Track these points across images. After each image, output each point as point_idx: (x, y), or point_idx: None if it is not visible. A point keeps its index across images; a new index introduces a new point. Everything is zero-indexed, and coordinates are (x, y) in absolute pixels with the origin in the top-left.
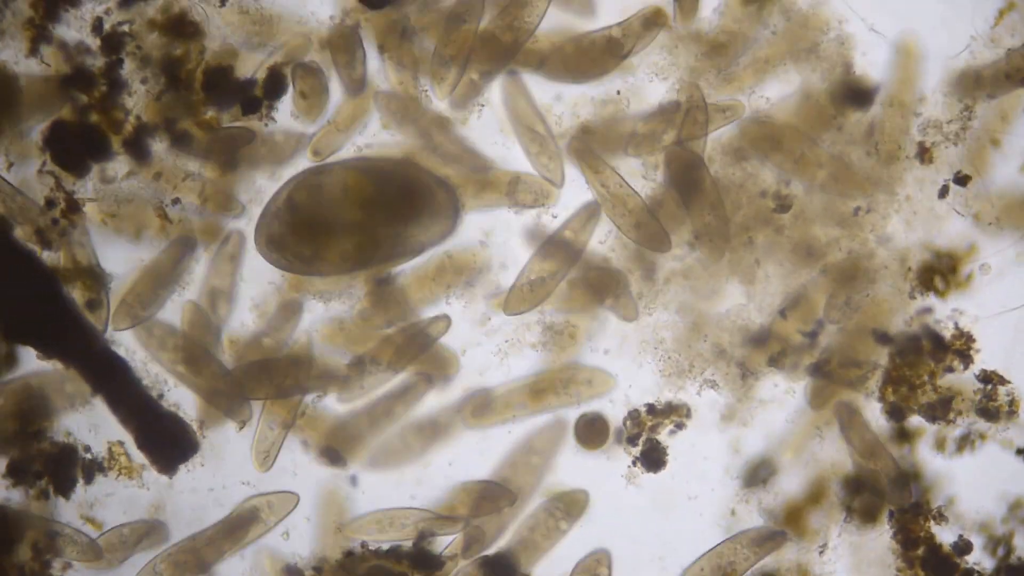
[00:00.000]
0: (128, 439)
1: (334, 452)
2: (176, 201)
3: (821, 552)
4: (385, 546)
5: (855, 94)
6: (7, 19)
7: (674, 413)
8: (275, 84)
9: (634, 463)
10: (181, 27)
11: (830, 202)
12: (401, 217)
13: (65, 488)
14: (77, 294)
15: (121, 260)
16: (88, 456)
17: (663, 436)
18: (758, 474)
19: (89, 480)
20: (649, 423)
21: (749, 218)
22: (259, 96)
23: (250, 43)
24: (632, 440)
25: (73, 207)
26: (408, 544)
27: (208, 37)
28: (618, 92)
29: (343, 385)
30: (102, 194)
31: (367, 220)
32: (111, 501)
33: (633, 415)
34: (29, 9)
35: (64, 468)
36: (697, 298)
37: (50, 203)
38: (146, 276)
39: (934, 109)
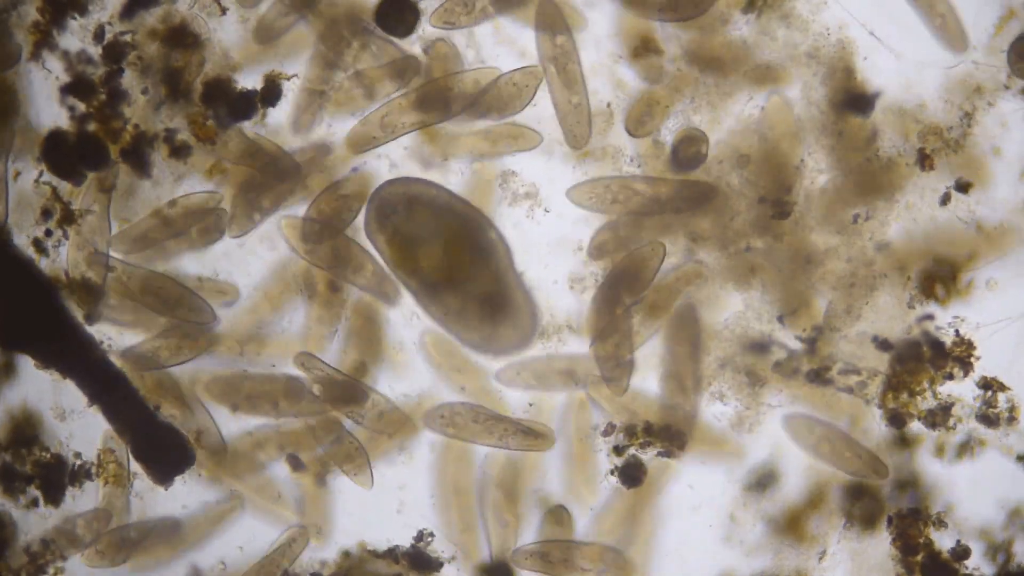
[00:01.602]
0: (120, 448)
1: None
2: (172, 203)
3: (820, 558)
4: (382, 547)
5: (856, 100)
6: (13, 22)
7: (667, 441)
8: (271, 92)
9: (612, 472)
10: (182, 37)
11: (830, 209)
12: (478, 313)
13: (55, 495)
14: (75, 305)
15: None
16: (78, 463)
17: (648, 456)
18: (760, 481)
19: (78, 486)
20: (640, 440)
21: (748, 224)
22: (256, 103)
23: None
24: (619, 450)
25: (68, 218)
26: (405, 545)
27: (209, 48)
28: (608, 104)
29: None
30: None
31: (448, 273)
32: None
33: (629, 429)
34: (36, 13)
35: (54, 475)
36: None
37: (46, 213)
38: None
39: (935, 116)
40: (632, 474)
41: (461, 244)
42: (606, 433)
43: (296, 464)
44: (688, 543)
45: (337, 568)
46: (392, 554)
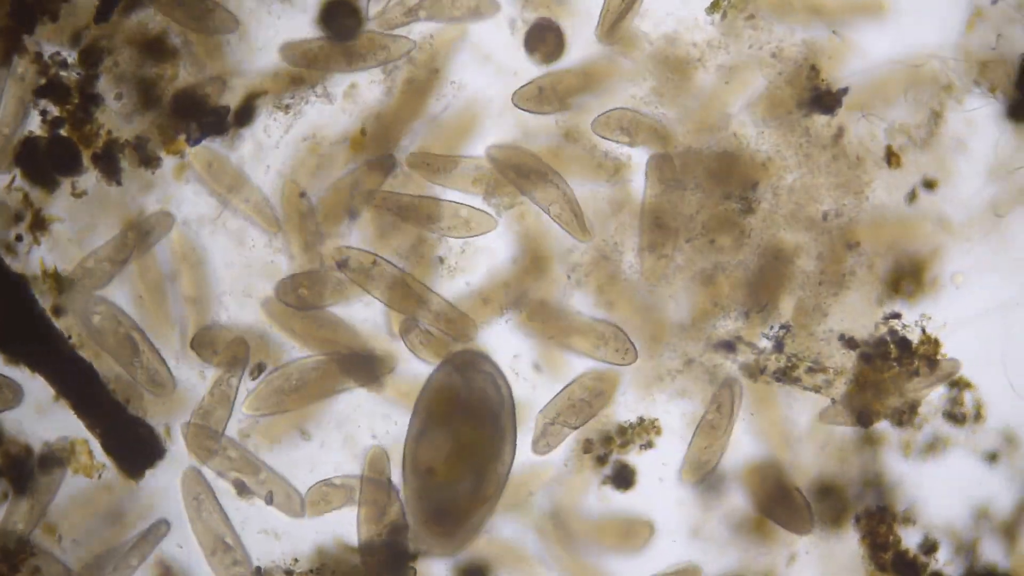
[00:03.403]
0: (93, 440)
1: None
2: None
3: (788, 562)
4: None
5: (821, 98)
6: None
7: (644, 431)
8: (246, 113)
9: (604, 482)
10: (158, 48)
11: (797, 206)
12: (427, 510)
13: (22, 484)
14: (44, 300)
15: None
16: (45, 451)
17: (631, 456)
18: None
19: (47, 473)
20: (619, 442)
21: (714, 220)
22: (229, 123)
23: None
24: (601, 459)
25: (40, 224)
26: (380, 537)
27: (184, 61)
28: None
29: None
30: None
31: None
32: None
33: (604, 437)
34: (6, 18)
35: (20, 464)
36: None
37: (17, 217)
38: None
39: (902, 113)
40: (624, 477)
41: (472, 456)
42: (586, 450)
43: (241, 488)
44: (656, 539)
45: (311, 565)
46: (368, 547)
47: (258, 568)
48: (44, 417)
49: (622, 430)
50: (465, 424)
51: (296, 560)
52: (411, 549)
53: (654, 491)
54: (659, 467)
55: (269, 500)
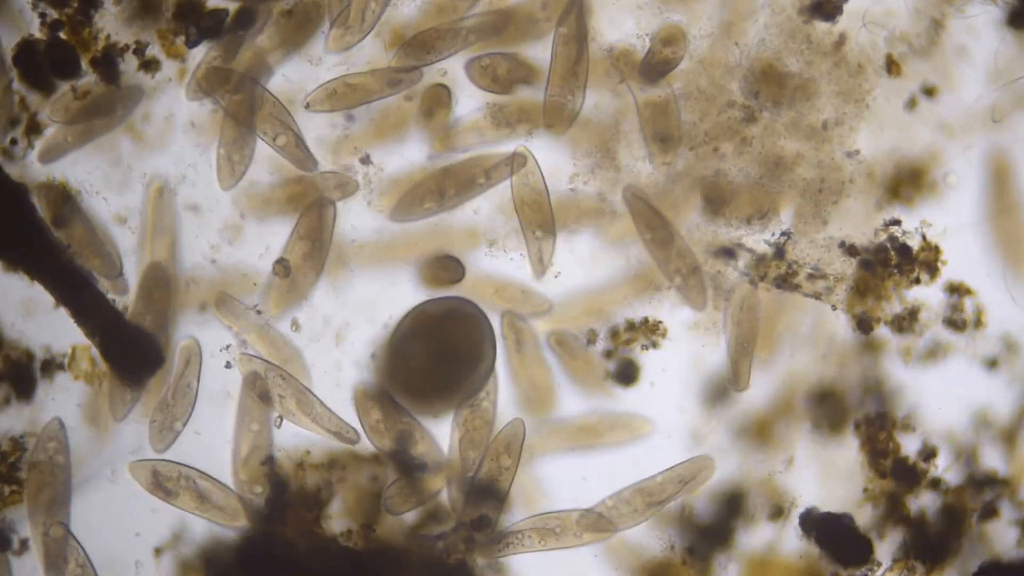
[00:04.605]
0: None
1: None
2: (146, 118)
3: (787, 466)
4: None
5: (822, 6)
6: None
7: (649, 331)
8: (245, 19)
9: (607, 376)
10: None
11: (798, 114)
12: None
13: (26, 389)
14: (44, 208)
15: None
16: (47, 357)
17: (635, 352)
18: (720, 392)
19: (49, 379)
20: (624, 338)
21: (717, 128)
22: (228, 27)
23: None
24: (608, 353)
25: (35, 128)
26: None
27: None
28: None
29: None
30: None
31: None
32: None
33: (612, 330)
34: None
35: (23, 370)
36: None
37: (12, 122)
38: None
39: (903, 22)
40: (627, 373)
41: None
42: (591, 341)
43: (265, 396)
44: (652, 449)
45: (321, 460)
46: (378, 458)
47: (271, 456)
48: (45, 323)
49: (630, 325)
50: (447, 343)
51: (308, 452)
52: (419, 460)
53: (655, 396)
54: (660, 372)
55: (278, 424)
